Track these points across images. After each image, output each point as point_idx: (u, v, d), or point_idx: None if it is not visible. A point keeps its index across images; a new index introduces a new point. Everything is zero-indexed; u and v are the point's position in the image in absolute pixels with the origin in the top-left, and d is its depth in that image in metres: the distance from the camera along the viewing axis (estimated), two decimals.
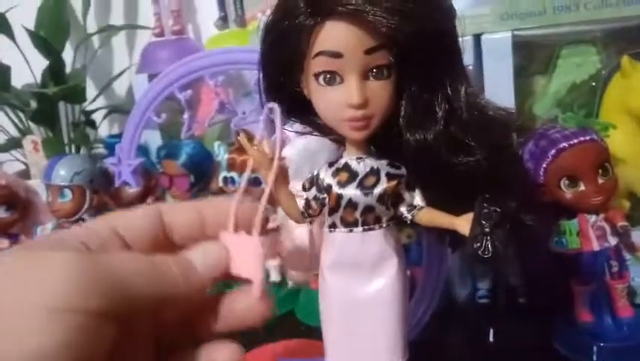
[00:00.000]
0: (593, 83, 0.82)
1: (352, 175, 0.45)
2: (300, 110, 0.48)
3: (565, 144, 0.69)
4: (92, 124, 1.18)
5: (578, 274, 0.73)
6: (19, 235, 1.00)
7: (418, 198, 0.46)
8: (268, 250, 0.97)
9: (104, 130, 1.23)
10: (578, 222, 0.71)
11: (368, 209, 0.45)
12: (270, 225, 0.94)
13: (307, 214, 0.48)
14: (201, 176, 0.98)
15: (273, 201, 0.93)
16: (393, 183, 0.45)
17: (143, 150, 1.04)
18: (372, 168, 0.45)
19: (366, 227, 0.45)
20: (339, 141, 0.48)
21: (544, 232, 0.75)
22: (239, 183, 0.92)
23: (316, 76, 0.43)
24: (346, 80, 0.42)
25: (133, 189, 1.04)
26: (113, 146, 0.95)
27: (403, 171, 0.46)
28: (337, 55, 0.41)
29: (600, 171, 0.69)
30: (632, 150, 0.76)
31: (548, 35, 0.80)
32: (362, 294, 0.46)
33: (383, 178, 0.45)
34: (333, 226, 0.46)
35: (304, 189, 0.48)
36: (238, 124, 0.98)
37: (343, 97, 0.42)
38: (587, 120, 0.73)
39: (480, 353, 0.78)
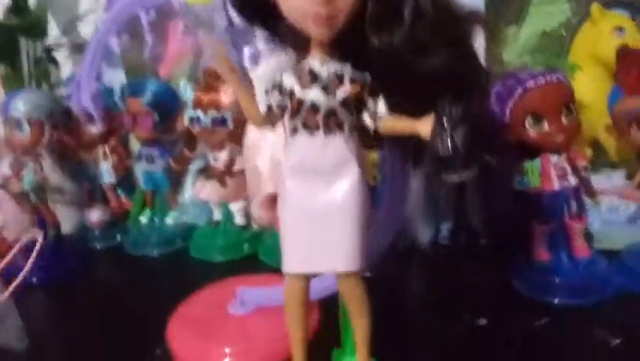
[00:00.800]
0: (563, 32, 0.82)
1: (315, 78, 0.45)
2: (264, 14, 0.46)
3: (531, 83, 0.70)
4: (54, 61, 1.14)
5: (538, 213, 0.74)
6: None
7: (381, 106, 0.46)
8: (233, 193, 0.97)
9: (66, 71, 1.19)
10: (541, 161, 0.72)
11: (330, 113, 0.44)
12: (236, 167, 0.94)
13: (269, 119, 0.47)
14: (166, 115, 0.96)
15: (238, 141, 0.93)
16: (357, 87, 0.45)
17: (106, 91, 1.01)
18: (335, 72, 0.45)
19: (328, 132, 0.45)
20: (303, 48, 0.47)
21: (507, 172, 0.76)
22: (205, 123, 0.90)
23: None
24: None
25: (95, 128, 1.01)
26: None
27: (367, 77, 0.45)
28: None
29: (564, 110, 0.70)
30: (598, 96, 0.77)
31: None
32: (322, 201, 0.46)
33: (347, 82, 0.44)
34: (294, 130, 0.46)
35: (267, 93, 0.47)
36: (207, 64, 0.96)
37: None
38: (555, 61, 0.73)
39: (440, 292, 0.78)
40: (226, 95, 0.89)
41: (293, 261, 0.47)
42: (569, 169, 0.72)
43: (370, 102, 0.46)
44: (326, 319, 0.66)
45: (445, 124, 0.40)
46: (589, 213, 0.77)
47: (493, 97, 0.73)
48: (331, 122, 0.45)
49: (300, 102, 0.45)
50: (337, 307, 0.57)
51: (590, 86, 0.79)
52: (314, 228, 0.46)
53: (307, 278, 0.48)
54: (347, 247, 0.46)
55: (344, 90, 0.44)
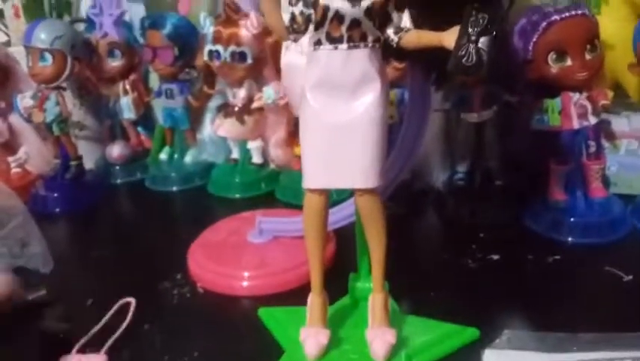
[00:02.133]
0: None
1: None
2: None
3: (556, 17, 0.69)
4: None
5: (556, 152, 0.74)
6: None
7: (406, 20, 0.46)
8: (251, 131, 0.97)
9: (86, 4, 1.19)
10: (561, 100, 0.72)
11: (355, 23, 0.44)
12: (255, 104, 0.95)
13: (292, 29, 0.47)
14: (186, 49, 0.96)
15: (258, 78, 0.93)
16: None
17: (126, 26, 1.02)
18: None
19: (351, 44, 0.45)
20: None
21: (527, 113, 0.76)
22: (224, 57, 0.90)
23: None
24: None
25: (116, 63, 1.02)
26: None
27: None
28: None
29: (588, 46, 0.69)
30: (622, 37, 0.76)
31: None
32: (343, 115, 0.46)
33: None
34: (318, 43, 0.46)
35: (290, 4, 0.47)
36: None
37: None
38: None
39: (455, 231, 0.79)
40: (246, 30, 0.89)
41: (313, 176, 0.48)
42: (589, 108, 0.71)
43: (395, 15, 0.46)
44: (342, 250, 0.67)
45: (471, 32, 0.40)
46: (607, 156, 0.77)
47: (517, 32, 0.72)
48: (355, 33, 0.45)
49: (325, 11, 0.44)
50: (353, 239, 0.58)
51: (615, 26, 0.77)
52: (334, 143, 0.47)
53: (327, 195, 0.49)
54: (366, 164, 0.47)
55: (369, 0, 0.44)
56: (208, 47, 0.91)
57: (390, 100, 0.80)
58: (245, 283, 0.66)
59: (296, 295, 0.59)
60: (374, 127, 0.46)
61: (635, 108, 0.80)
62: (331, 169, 0.47)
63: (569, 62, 0.69)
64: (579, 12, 0.68)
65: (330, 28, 0.45)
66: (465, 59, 0.40)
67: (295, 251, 0.66)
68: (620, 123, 0.79)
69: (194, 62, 0.98)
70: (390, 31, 0.46)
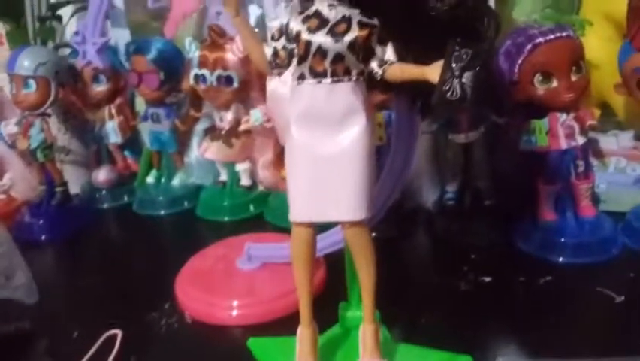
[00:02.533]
0: None
1: (323, 22, 0.44)
2: None
3: (541, 39, 0.69)
4: (59, 19, 1.13)
5: (545, 172, 0.74)
6: None
7: (389, 53, 0.45)
8: (239, 153, 0.97)
9: (70, 30, 1.18)
10: (549, 120, 0.72)
11: (338, 58, 0.44)
12: (242, 127, 0.94)
13: (275, 64, 0.46)
14: (172, 73, 0.96)
15: (244, 101, 0.92)
16: (365, 31, 0.44)
17: (112, 50, 1.01)
18: (343, 16, 0.44)
19: (335, 78, 0.44)
20: None
21: (514, 134, 0.76)
22: (211, 81, 0.90)
23: None
24: None
25: (101, 88, 1.01)
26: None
27: (376, 21, 0.45)
28: None
29: (574, 68, 0.69)
30: (608, 56, 0.76)
31: None
32: (328, 149, 0.45)
33: (355, 26, 0.44)
34: (301, 77, 0.45)
35: (272, 39, 0.46)
36: (212, 22, 0.95)
37: None
38: (564, 17, 0.72)
39: (446, 252, 0.79)
40: (232, 54, 0.88)
41: (299, 209, 0.47)
42: (577, 128, 0.71)
43: (378, 49, 0.46)
44: (332, 276, 0.67)
45: (454, 67, 0.40)
46: (596, 174, 0.77)
47: (502, 54, 0.73)
48: (338, 67, 0.44)
49: (308, 46, 0.44)
50: (343, 264, 0.57)
51: (600, 46, 0.78)
52: (320, 177, 0.46)
53: (314, 227, 0.49)
54: (353, 196, 0.46)
55: (352, 34, 0.44)
56: (194, 71, 0.90)
57: (378, 122, 0.81)
58: (234, 313, 0.65)
59: (287, 324, 0.58)
60: (360, 160, 0.46)
61: (622, 127, 0.80)
62: (318, 203, 0.47)
63: (554, 84, 0.69)
64: (564, 34, 0.69)
65: (313, 62, 0.44)
66: (449, 93, 0.39)
67: (285, 278, 0.65)
68: (608, 142, 0.79)
69: (180, 86, 0.97)
70: (374, 65, 0.46)
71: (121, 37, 1.02)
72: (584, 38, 0.73)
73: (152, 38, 0.96)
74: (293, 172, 0.48)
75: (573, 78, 0.69)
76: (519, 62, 0.70)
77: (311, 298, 0.52)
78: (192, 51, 0.91)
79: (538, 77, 0.70)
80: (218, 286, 0.69)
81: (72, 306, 0.75)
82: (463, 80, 0.39)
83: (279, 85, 0.49)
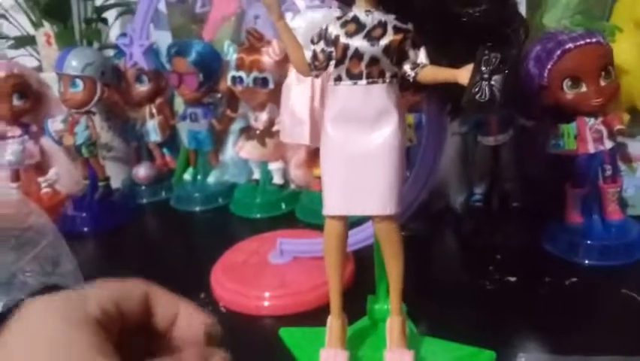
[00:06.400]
0: None
1: (360, 27, 0.47)
2: None
3: (571, 45, 0.70)
4: (105, 21, 1.18)
5: (573, 176, 0.75)
6: (30, 125, 1.03)
7: (422, 56, 0.48)
8: (272, 153, 1.00)
9: (114, 32, 1.24)
10: (577, 125, 0.73)
11: (373, 60, 0.47)
12: (276, 127, 0.97)
13: (314, 66, 0.49)
14: (210, 75, 0.99)
15: (279, 102, 0.96)
16: (400, 36, 0.47)
17: (153, 52, 1.05)
18: (379, 21, 0.47)
19: (370, 80, 0.47)
20: (348, 2, 0.49)
21: (543, 138, 0.77)
22: (247, 83, 0.93)
23: None
24: None
25: (143, 87, 1.06)
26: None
27: (410, 26, 0.47)
28: None
29: (603, 73, 0.70)
30: (638, 62, 0.77)
31: None
32: (361, 146, 0.48)
33: (390, 30, 0.47)
34: (338, 78, 0.48)
35: (312, 42, 0.49)
36: (249, 25, 0.99)
37: None
38: (594, 23, 0.73)
39: (472, 252, 0.81)
40: (268, 57, 0.92)
41: (333, 203, 0.50)
42: (605, 132, 0.72)
43: (412, 52, 0.48)
44: (361, 271, 0.69)
45: (484, 70, 0.42)
46: (624, 178, 0.78)
47: (532, 59, 0.74)
48: (374, 70, 0.47)
49: (345, 49, 0.47)
50: (372, 260, 0.60)
51: (631, 52, 0.78)
52: (353, 172, 0.49)
53: (346, 221, 0.51)
54: (384, 192, 0.49)
55: (387, 38, 0.46)
56: (231, 73, 0.94)
57: (409, 123, 0.83)
58: (266, 303, 0.68)
59: (316, 315, 0.60)
60: (391, 157, 0.48)
61: None
62: (350, 197, 0.49)
63: (584, 89, 0.70)
64: (593, 40, 0.70)
65: (350, 65, 0.47)
66: (478, 95, 0.42)
67: (315, 272, 0.68)
68: (636, 146, 0.80)
69: (218, 87, 1.01)
70: (407, 67, 0.48)
71: (162, 39, 1.06)
72: (614, 44, 0.74)
73: (193, 41, 1.00)
74: (327, 168, 0.50)
75: (602, 83, 0.70)
76: (549, 67, 0.71)
77: (341, 290, 0.54)
78: (230, 54, 0.95)
79: (567, 82, 0.71)
80: (251, 279, 0.72)
81: None
82: (492, 82, 0.42)
83: (295, 81, 0.52)
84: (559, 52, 0.70)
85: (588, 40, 0.70)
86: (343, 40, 0.47)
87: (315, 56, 0.49)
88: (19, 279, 0.75)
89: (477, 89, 0.42)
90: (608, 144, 0.73)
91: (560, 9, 0.84)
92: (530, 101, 0.76)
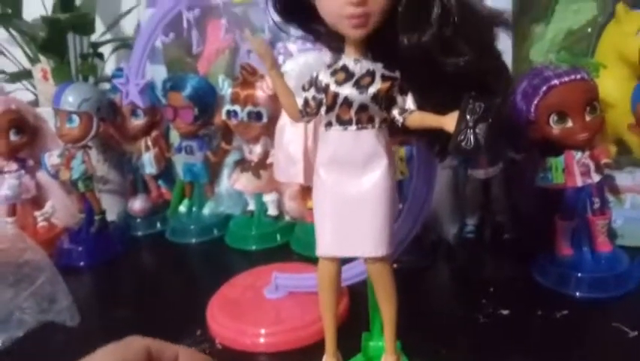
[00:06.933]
0: (589, 30, 0.84)
1: (349, 75, 0.48)
2: (302, 16, 0.50)
3: (556, 81, 0.72)
4: (100, 56, 1.20)
5: (561, 209, 0.76)
6: (26, 160, 1.04)
7: (409, 102, 0.49)
8: (267, 185, 1.01)
9: (110, 66, 1.26)
10: (564, 158, 0.74)
11: (362, 107, 0.48)
12: (270, 159, 0.98)
13: (305, 112, 0.51)
14: (205, 109, 1.01)
15: (273, 136, 0.97)
16: (387, 84, 0.48)
17: (150, 86, 1.07)
18: (368, 70, 0.48)
19: (359, 126, 0.49)
20: (338, 49, 0.51)
21: (531, 171, 0.79)
22: (242, 117, 0.95)
23: None
24: None
25: (138, 121, 1.07)
26: (118, 79, 0.98)
27: (397, 74, 0.49)
28: None
29: (588, 108, 0.72)
30: (623, 96, 0.79)
31: None
32: (353, 189, 0.49)
33: (378, 79, 0.48)
34: (329, 124, 0.49)
35: (304, 89, 0.51)
36: (243, 60, 1.00)
37: None
38: (579, 59, 0.75)
39: (466, 285, 0.82)
40: (262, 91, 0.94)
41: (325, 245, 0.51)
42: (592, 166, 0.74)
43: (399, 98, 0.50)
44: (356, 305, 0.70)
45: (468, 119, 0.43)
46: (612, 209, 0.79)
47: (519, 94, 0.76)
48: (363, 116, 0.48)
49: (335, 97, 0.48)
50: (366, 294, 0.61)
51: (615, 86, 0.80)
52: (345, 215, 0.50)
53: (339, 261, 0.52)
54: (375, 234, 0.50)
55: (375, 87, 0.48)
56: (226, 107, 0.96)
57: (400, 156, 0.84)
58: (262, 340, 0.69)
59: (312, 351, 0.61)
60: (382, 199, 0.50)
61: (637, 164, 0.82)
62: (342, 239, 0.50)
63: (569, 124, 0.72)
64: (578, 76, 0.72)
65: (340, 112, 0.49)
66: (464, 143, 0.43)
67: (310, 306, 0.69)
68: (623, 178, 0.82)
69: (213, 120, 1.03)
70: (395, 112, 0.50)
71: (158, 73, 1.08)
72: (600, 78, 0.76)
73: (188, 75, 1.02)
74: (320, 210, 0.51)
75: (587, 118, 0.72)
76: (535, 102, 0.73)
77: (335, 327, 0.55)
78: (225, 88, 0.96)
79: (553, 117, 0.73)
80: (247, 314, 0.72)
81: (107, 330, 0.78)
82: (477, 130, 0.43)
83: (288, 123, 0.53)
84: (545, 88, 0.72)
85: (573, 77, 0.72)
86: (333, 88, 0.48)
87: (306, 102, 0.50)
88: (16, 316, 0.75)
89: (462, 137, 0.43)
90: (596, 178, 0.74)
91: (547, 43, 0.86)
92: (519, 135, 0.78)
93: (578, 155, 0.74)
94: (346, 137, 0.49)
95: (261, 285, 0.77)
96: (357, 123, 0.49)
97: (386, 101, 0.49)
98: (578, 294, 0.73)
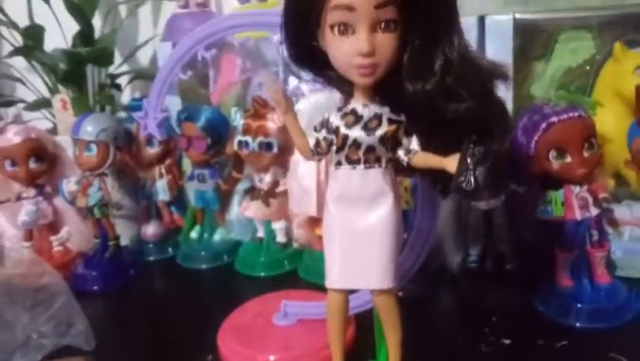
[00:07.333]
0: (588, 68, 0.87)
1: (358, 118, 0.52)
2: (314, 63, 0.54)
3: (555, 119, 0.75)
4: (118, 87, 1.25)
5: (561, 241, 0.79)
6: (44, 186, 1.08)
7: (414, 143, 0.53)
8: (276, 212, 1.04)
9: (126, 96, 1.30)
10: (564, 192, 0.77)
11: (370, 149, 0.52)
12: (279, 188, 1.02)
13: (316, 152, 0.54)
14: (218, 139, 1.05)
15: (282, 165, 1.01)
16: (394, 127, 0.52)
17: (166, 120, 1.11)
18: (375, 114, 0.52)
19: (367, 165, 0.52)
20: (347, 92, 0.55)
21: (532, 203, 0.81)
22: (253, 147, 0.99)
23: (332, 27, 0.49)
24: (357, 31, 0.48)
25: (153, 150, 1.11)
26: (135, 108, 1.02)
27: (403, 118, 0.52)
28: (351, 8, 0.47)
29: (586, 145, 0.75)
30: (620, 131, 0.82)
31: (547, 20, 0.86)
32: (360, 224, 0.53)
33: (385, 122, 0.52)
34: (339, 163, 0.53)
35: (315, 130, 0.54)
36: (255, 93, 1.05)
37: (354, 46, 0.48)
38: (577, 98, 0.79)
39: (469, 314, 0.84)
40: (273, 123, 0.97)
41: (334, 277, 0.54)
42: (590, 200, 0.76)
43: (405, 140, 0.53)
44: (362, 333, 0.72)
45: (469, 162, 0.46)
46: (611, 241, 0.82)
47: (520, 129, 0.79)
48: (370, 156, 0.52)
49: (345, 139, 0.52)
50: (372, 322, 0.63)
51: (613, 121, 0.83)
52: (353, 249, 0.53)
53: (347, 293, 0.55)
54: (382, 267, 0.53)
55: (382, 129, 0.52)
56: (238, 138, 0.99)
57: (405, 187, 0.87)
58: None
59: None
60: (387, 234, 0.53)
61: (635, 197, 0.85)
62: (350, 272, 0.53)
63: (568, 159, 0.75)
64: (576, 114, 0.75)
65: (349, 152, 0.52)
66: (464, 184, 0.46)
67: (319, 333, 0.71)
68: (621, 211, 0.84)
69: (225, 150, 1.06)
70: (401, 153, 0.53)
71: (172, 103, 1.12)
72: (598, 114, 0.79)
73: (202, 107, 1.06)
74: (329, 243, 0.55)
75: (585, 154, 0.75)
76: (535, 138, 0.76)
77: (342, 355, 0.58)
78: (237, 119, 1.00)
79: (553, 153, 0.76)
80: (257, 341, 0.75)
81: (121, 355, 0.81)
82: (477, 173, 0.46)
83: (302, 158, 0.57)
84: (544, 125, 0.75)
85: (571, 115, 0.75)
86: (343, 130, 0.52)
87: (317, 143, 0.54)
88: (34, 340, 0.78)
89: (463, 179, 0.46)
90: (594, 211, 0.77)
91: (547, 80, 0.90)
92: (520, 168, 0.81)
93: (577, 189, 0.76)
94: (355, 175, 0.52)
95: (270, 312, 0.80)
96: (365, 163, 0.52)
97: (392, 142, 0.52)
98: (578, 324, 0.75)
